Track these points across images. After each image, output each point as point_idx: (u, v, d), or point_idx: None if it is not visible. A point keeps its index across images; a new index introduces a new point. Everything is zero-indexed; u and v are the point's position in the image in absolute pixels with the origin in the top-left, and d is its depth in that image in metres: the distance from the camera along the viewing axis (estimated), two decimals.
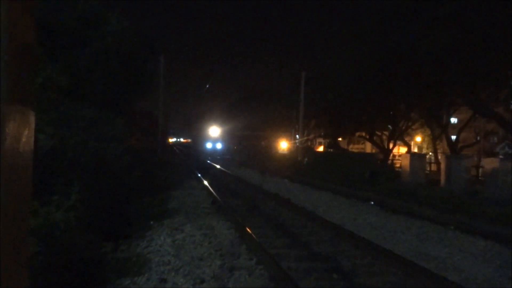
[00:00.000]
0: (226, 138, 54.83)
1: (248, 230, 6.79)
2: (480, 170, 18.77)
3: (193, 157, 38.21)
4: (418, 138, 38.50)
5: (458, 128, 26.78)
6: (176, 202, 10.38)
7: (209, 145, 51.41)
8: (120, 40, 13.06)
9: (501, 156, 22.26)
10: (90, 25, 11.71)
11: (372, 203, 11.32)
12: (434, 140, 27.34)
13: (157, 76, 23.18)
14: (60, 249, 4.34)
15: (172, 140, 79.27)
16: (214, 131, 53.33)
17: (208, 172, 20.60)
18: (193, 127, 72.04)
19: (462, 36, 17.17)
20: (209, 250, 6.02)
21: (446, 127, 25.15)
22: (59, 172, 5.69)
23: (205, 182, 14.29)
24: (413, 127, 30.19)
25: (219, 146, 51.72)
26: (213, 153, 45.93)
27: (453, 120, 32.05)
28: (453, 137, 25.83)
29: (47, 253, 4.08)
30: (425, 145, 37.57)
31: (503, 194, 11.95)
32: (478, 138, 30.47)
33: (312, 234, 7.27)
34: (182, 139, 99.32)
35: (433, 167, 24.58)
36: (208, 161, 31.30)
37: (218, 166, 25.56)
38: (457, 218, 9.40)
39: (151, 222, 7.60)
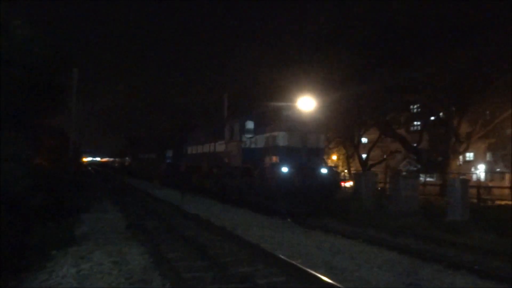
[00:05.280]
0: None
1: (163, 254, 6.49)
2: (387, 185, 20.58)
3: None
4: (334, 157, 41.07)
5: (368, 148, 29.24)
6: (86, 227, 9.57)
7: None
8: (26, 50, 11.93)
9: (404, 173, 24.68)
10: None
11: (289, 220, 11.67)
12: (348, 158, 29.45)
13: (69, 90, 21.55)
14: None
15: (86, 159, 72.41)
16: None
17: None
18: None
19: (369, 63, 19.02)
20: (118, 279, 5.61)
21: (358, 147, 27.34)
22: None
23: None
24: (330, 146, 32.26)
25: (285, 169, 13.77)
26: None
27: (364, 140, 34.90)
28: (364, 156, 28.15)
29: None
30: (340, 163, 40.18)
31: (405, 208, 13.19)
32: (385, 156, 33.51)
33: (230, 254, 7.20)
34: (99, 158, 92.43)
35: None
36: None
37: None
38: (366, 232, 10.13)
39: (53, 252, 6.86)
